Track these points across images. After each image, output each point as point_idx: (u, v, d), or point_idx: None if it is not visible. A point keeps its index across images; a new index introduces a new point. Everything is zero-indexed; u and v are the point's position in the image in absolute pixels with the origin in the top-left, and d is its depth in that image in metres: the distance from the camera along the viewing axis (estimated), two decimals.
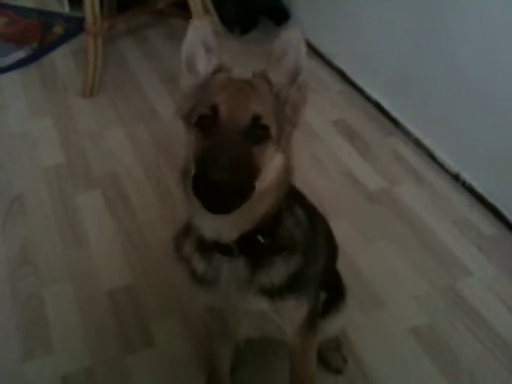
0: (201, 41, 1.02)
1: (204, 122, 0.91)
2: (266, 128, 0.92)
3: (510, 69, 1.83)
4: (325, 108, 2.59)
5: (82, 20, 2.57)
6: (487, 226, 2.01)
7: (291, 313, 1.13)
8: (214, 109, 0.90)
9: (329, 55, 2.88)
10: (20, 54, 2.85)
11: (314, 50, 2.97)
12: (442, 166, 2.22)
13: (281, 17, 3.18)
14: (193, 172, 0.88)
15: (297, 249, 1.05)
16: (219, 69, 1.03)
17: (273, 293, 1.04)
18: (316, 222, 1.19)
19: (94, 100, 2.61)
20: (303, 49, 1.03)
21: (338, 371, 1.54)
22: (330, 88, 2.74)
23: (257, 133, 0.91)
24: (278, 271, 1.03)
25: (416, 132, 2.34)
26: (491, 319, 1.71)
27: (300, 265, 1.06)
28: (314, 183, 2.09)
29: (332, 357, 1.55)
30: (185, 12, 2.61)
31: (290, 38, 0.99)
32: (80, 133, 2.42)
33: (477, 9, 1.91)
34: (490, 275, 1.84)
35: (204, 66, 1.03)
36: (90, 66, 2.55)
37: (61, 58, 2.91)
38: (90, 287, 1.76)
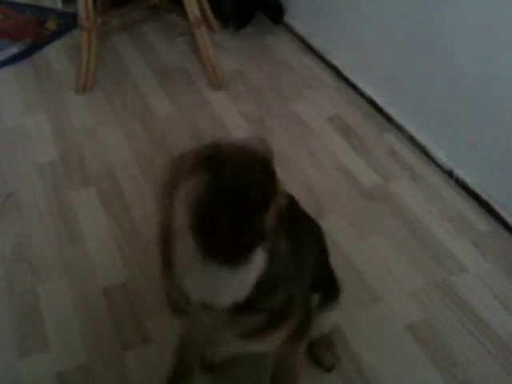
0: None
1: None
2: None
3: (507, 66, 1.83)
4: (319, 104, 2.59)
5: (75, 15, 2.55)
6: (482, 222, 2.02)
7: (278, 339, 1.10)
8: None
9: (323, 51, 2.88)
10: (13, 50, 2.83)
11: (308, 46, 2.98)
12: (436, 163, 2.23)
13: (276, 12, 3.18)
14: None
15: (280, 287, 0.99)
16: None
17: (257, 331, 1.01)
18: (302, 239, 1.14)
19: (88, 96, 2.60)
20: None
21: (329, 369, 1.55)
22: (324, 84, 2.74)
23: None
24: (260, 315, 0.99)
25: (411, 128, 2.35)
26: (486, 315, 1.72)
27: (284, 298, 1.01)
28: (308, 179, 2.09)
29: (324, 355, 1.55)
30: (179, 7, 2.60)
31: None
32: (74, 129, 2.40)
33: (474, 5, 1.91)
34: (485, 271, 1.85)
35: None
36: (83, 61, 2.54)
37: (54, 54, 2.89)
38: (86, 284, 1.76)
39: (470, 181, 2.09)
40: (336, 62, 2.80)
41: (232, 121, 2.49)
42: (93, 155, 2.26)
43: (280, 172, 2.27)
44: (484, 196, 2.05)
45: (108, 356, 1.57)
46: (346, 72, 2.73)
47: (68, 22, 3.05)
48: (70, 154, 2.26)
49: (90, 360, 1.56)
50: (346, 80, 2.72)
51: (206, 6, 2.92)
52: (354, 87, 2.67)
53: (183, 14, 2.56)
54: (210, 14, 2.99)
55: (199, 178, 0.79)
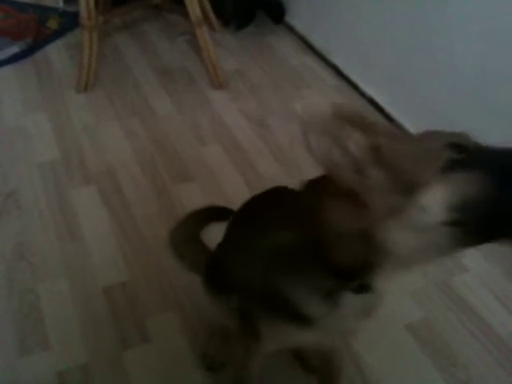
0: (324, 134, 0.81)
1: (455, 164, 0.76)
2: None
3: (507, 66, 1.83)
4: (320, 104, 2.59)
5: (76, 15, 2.55)
6: None
7: None
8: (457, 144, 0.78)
9: (324, 51, 2.88)
10: (14, 49, 2.83)
11: (309, 46, 2.98)
12: None
13: (277, 12, 3.18)
14: None
15: None
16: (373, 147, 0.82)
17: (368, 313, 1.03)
18: None
19: (89, 95, 2.60)
20: None
21: (315, 370, 1.53)
22: (324, 84, 2.75)
23: None
24: None
25: (411, 128, 2.34)
26: (486, 315, 1.72)
27: None
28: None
29: (311, 356, 1.54)
30: (180, 7, 2.60)
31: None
32: (75, 128, 2.40)
33: (473, 4, 1.91)
34: (486, 271, 1.85)
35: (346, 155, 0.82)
36: (84, 60, 2.54)
37: (56, 53, 2.89)
38: (86, 283, 1.76)
39: None
40: (336, 61, 2.79)
41: (233, 120, 2.49)
42: (94, 154, 2.26)
43: (280, 170, 2.29)
44: None
45: (108, 355, 1.58)
46: (346, 72, 2.73)
47: (69, 21, 3.05)
48: (70, 153, 2.26)
49: (91, 359, 1.56)
50: (346, 80, 2.72)
51: (208, 6, 2.92)
52: (354, 87, 2.67)
53: (184, 13, 2.56)
54: (211, 14, 2.99)
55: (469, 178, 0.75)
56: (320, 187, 0.89)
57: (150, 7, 3.11)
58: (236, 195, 2.04)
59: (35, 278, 1.77)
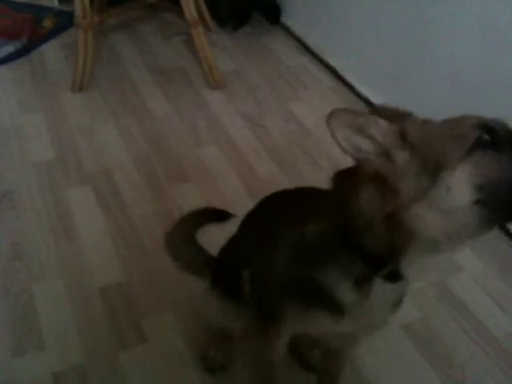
0: (350, 130, 0.82)
1: (482, 144, 0.78)
2: None
3: (505, 65, 1.84)
4: (316, 104, 2.60)
5: (72, 14, 2.55)
6: None
7: None
8: (485, 124, 0.79)
9: (320, 51, 2.88)
10: (9, 49, 2.82)
11: (305, 46, 2.98)
12: None
13: (273, 13, 3.18)
14: None
15: None
16: (401, 131, 0.82)
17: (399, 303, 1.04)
18: None
19: (85, 95, 2.60)
20: None
21: (312, 370, 1.54)
22: (321, 84, 2.75)
23: None
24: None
25: None
26: (482, 315, 1.73)
27: None
28: (304, 178, 2.09)
29: (311, 356, 1.54)
30: (176, 7, 2.60)
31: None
32: (71, 128, 2.40)
33: (471, 3, 1.91)
34: (481, 272, 1.86)
35: (371, 144, 0.83)
36: (80, 60, 2.53)
37: (51, 53, 2.89)
38: (82, 283, 1.75)
39: None
40: (333, 62, 2.80)
41: (229, 120, 2.49)
42: (89, 154, 2.26)
43: (277, 170, 2.28)
44: None
45: (104, 355, 1.57)
46: (342, 72, 2.74)
47: (65, 21, 3.05)
48: (66, 153, 2.26)
49: (87, 359, 1.56)
50: (342, 80, 2.72)
51: (203, 6, 2.92)
52: (350, 87, 2.67)
53: (180, 13, 2.56)
54: (206, 14, 2.99)
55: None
56: (348, 176, 0.90)
57: (146, 7, 3.11)
58: (233, 196, 2.04)
59: (31, 279, 1.76)
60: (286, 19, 3.15)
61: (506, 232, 1.97)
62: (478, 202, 0.77)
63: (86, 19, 2.47)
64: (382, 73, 2.47)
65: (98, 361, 1.56)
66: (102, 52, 2.87)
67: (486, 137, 0.78)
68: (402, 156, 0.81)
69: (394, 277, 0.91)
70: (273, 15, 3.19)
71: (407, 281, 0.93)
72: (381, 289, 0.94)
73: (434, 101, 2.18)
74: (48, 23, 3.07)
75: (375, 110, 0.90)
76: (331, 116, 0.80)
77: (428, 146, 0.80)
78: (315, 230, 0.97)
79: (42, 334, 1.61)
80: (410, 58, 2.27)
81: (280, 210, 1.14)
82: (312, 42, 2.95)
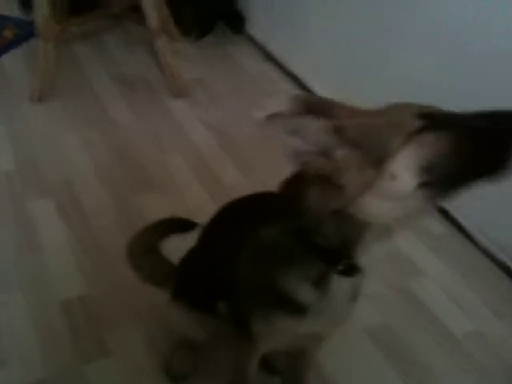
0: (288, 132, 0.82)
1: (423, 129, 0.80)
2: None
3: (460, 71, 1.88)
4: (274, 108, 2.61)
5: (33, 24, 2.52)
6: (437, 226, 2.06)
7: None
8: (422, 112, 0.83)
9: (283, 60, 2.91)
10: None
11: (268, 55, 3.00)
12: None
13: (236, 22, 3.19)
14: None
15: None
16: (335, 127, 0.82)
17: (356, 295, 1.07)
18: None
19: (46, 105, 2.56)
20: None
21: (278, 373, 1.54)
22: (284, 92, 2.77)
23: None
24: None
25: None
26: (443, 317, 1.76)
27: None
28: (271, 187, 2.08)
29: (275, 358, 1.55)
30: (139, 16, 2.59)
31: None
32: (32, 138, 2.36)
33: (426, 10, 1.96)
34: (442, 274, 1.90)
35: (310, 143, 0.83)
36: (41, 70, 2.50)
37: (12, 63, 2.84)
38: (43, 296, 1.72)
39: None
40: (296, 70, 2.83)
41: (193, 128, 2.49)
42: (51, 165, 2.22)
43: (241, 178, 2.28)
44: None
45: (67, 370, 1.55)
46: (305, 80, 2.76)
47: (26, 31, 3.00)
48: (27, 164, 2.22)
49: (49, 375, 1.53)
50: (305, 88, 2.75)
51: (167, 15, 2.92)
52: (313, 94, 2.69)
53: (143, 22, 2.55)
54: (170, 23, 2.99)
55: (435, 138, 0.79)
56: (295, 180, 0.91)
57: (109, 16, 3.09)
58: (198, 204, 2.04)
59: None
60: (250, 28, 3.17)
61: (467, 236, 2.01)
62: (421, 184, 0.80)
63: (47, 29, 2.44)
64: (344, 81, 2.50)
65: (61, 375, 1.53)
66: (64, 62, 2.83)
67: (422, 122, 0.80)
68: (340, 153, 0.81)
69: (350, 271, 0.94)
70: (237, 25, 3.20)
71: (363, 272, 0.96)
72: (338, 284, 0.97)
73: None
74: (8, 33, 3.03)
75: (302, 103, 0.87)
76: (266, 122, 0.80)
77: (368, 137, 0.81)
78: (270, 235, 0.98)
79: (2, 349, 1.58)
80: (366, 63, 2.31)
81: (237, 219, 1.15)
82: (275, 50, 2.97)
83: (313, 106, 0.85)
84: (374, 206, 0.82)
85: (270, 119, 0.80)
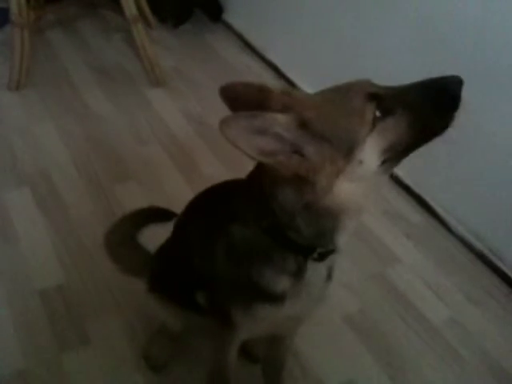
0: (250, 133, 0.80)
1: (379, 116, 0.85)
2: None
3: (442, 62, 1.90)
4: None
5: (7, 11, 2.47)
6: (414, 214, 2.09)
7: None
8: (374, 96, 0.86)
9: (262, 49, 2.90)
10: None
11: (247, 44, 2.99)
12: None
13: (214, 10, 3.18)
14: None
15: None
16: (298, 119, 0.83)
17: (329, 274, 1.08)
18: None
19: (22, 94, 2.53)
20: None
21: (256, 360, 1.56)
22: (263, 81, 2.76)
23: None
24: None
25: None
26: (420, 305, 1.79)
27: None
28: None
29: (254, 345, 1.56)
30: (115, 3, 2.56)
31: None
32: (7, 128, 2.33)
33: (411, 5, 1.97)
34: (418, 262, 1.93)
35: (277, 141, 0.82)
36: (16, 58, 2.46)
37: None
38: (21, 286, 1.71)
39: (402, 174, 2.16)
40: (274, 59, 2.82)
41: (171, 118, 2.48)
42: (27, 155, 2.20)
43: (221, 168, 2.28)
44: (415, 189, 2.13)
45: (46, 359, 1.55)
46: (284, 69, 2.76)
47: (1, 18, 2.94)
48: (2, 154, 2.20)
49: (28, 364, 1.53)
50: (284, 77, 2.75)
51: (143, 2, 2.89)
52: (292, 84, 2.70)
53: (120, 10, 2.52)
54: (147, 11, 2.96)
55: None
56: (263, 174, 0.92)
57: (85, 4, 3.05)
58: (177, 194, 2.04)
59: None
60: (228, 17, 3.15)
61: (444, 224, 2.05)
62: (383, 162, 0.86)
63: (22, 16, 2.41)
64: (324, 70, 2.48)
65: (39, 364, 1.53)
66: (40, 50, 2.79)
67: (377, 109, 0.85)
68: (311, 149, 0.83)
69: (324, 256, 0.96)
70: (214, 12, 3.18)
71: (336, 252, 0.98)
72: (313, 269, 0.99)
73: None
74: None
75: (231, 94, 0.94)
76: (224, 126, 0.77)
77: (335, 130, 0.83)
78: (243, 233, 0.98)
79: None
80: (351, 55, 2.31)
81: (210, 209, 1.15)
82: (254, 39, 2.96)
83: (243, 97, 0.90)
84: (345, 191, 0.86)
85: (228, 123, 0.78)
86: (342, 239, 0.95)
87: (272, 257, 0.97)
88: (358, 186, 0.87)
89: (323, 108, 0.85)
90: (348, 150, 0.83)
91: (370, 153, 0.85)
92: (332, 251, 0.97)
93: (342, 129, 0.83)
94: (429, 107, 0.88)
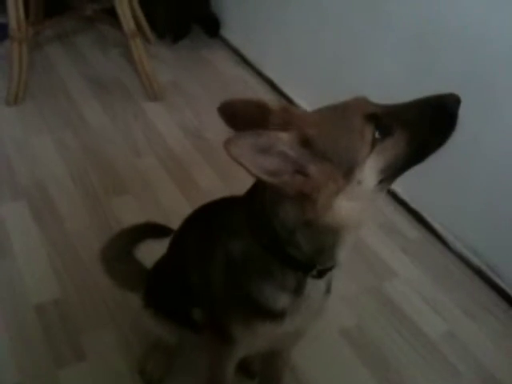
0: (255, 154, 0.79)
1: (378, 136, 0.85)
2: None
3: (435, 79, 1.91)
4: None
5: (6, 26, 2.49)
6: (410, 229, 2.10)
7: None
8: (372, 117, 0.86)
9: (258, 64, 2.92)
10: None
11: (243, 59, 3.02)
12: None
13: (212, 26, 3.20)
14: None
15: None
16: (299, 137, 0.83)
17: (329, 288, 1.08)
18: None
19: (20, 107, 2.53)
20: None
21: (254, 376, 1.55)
22: (259, 96, 2.77)
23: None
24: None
25: None
26: (417, 319, 1.79)
27: None
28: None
29: (251, 362, 1.55)
30: (113, 18, 2.58)
31: None
32: (5, 141, 2.33)
33: (403, 18, 1.99)
34: (415, 277, 1.92)
35: (279, 161, 0.82)
36: (14, 72, 2.47)
37: None
38: (16, 300, 1.70)
39: (399, 190, 2.17)
40: (270, 74, 2.84)
41: (168, 131, 2.49)
42: (24, 168, 2.20)
43: (219, 183, 2.27)
44: (412, 204, 2.13)
45: (41, 374, 1.53)
46: (280, 85, 2.78)
47: None
48: None
49: (24, 379, 1.51)
50: (280, 93, 2.77)
51: (142, 18, 2.92)
52: (288, 100, 2.71)
53: (118, 25, 2.54)
54: (145, 26, 2.98)
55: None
56: (262, 191, 0.92)
57: (83, 19, 3.06)
58: (173, 208, 2.04)
59: None
60: (225, 32, 3.18)
61: (441, 240, 2.05)
62: (380, 181, 0.87)
63: (21, 31, 2.42)
64: (318, 85, 2.52)
65: (35, 379, 1.52)
66: (38, 64, 2.81)
67: (376, 130, 0.85)
68: (313, 168, 0.83)
69: (323, 273, 0.96)
70: (212, 28, 3.21)
71: (336, 267, 0.98)
72: (312, 284, 0.99)
73: None
74: None
75: (230, 111, 0.92)
76: (230, 145, 0.76)
77: (336, 150, 0.84)
78: (241, 247, 0.98)
79: None
80: (344, 70, 2.33)
81: (206, 227, 1.14)
82: (250, 55, 2.98)
83: (242, 113, 0.89)
84: (344, 209, 0.86)
85: (232, 142, 0.76)
86: (342, 255, 0.95)
87: (272, 273, 0.96)
88: (356, 204, 0.87)
89: (324, 126, 0.85)
90: (348, 170, 0.84)
91: (369, 173, 0.85)
92: (331, 268, 0.97)
93: (342, 149, 0.84)
94: (427, 126, 0.89)
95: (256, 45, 2.93)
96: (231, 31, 3.14)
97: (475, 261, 1.95)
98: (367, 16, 2.13)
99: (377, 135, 0.85)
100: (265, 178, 0.80)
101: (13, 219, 1.97)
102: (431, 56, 1.90)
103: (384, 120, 0.86)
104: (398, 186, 2.17)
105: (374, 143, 0.85)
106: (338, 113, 0.88)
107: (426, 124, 0.89)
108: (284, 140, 0.81)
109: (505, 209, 1.81)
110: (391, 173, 0.88)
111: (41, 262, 1.82)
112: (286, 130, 0.83)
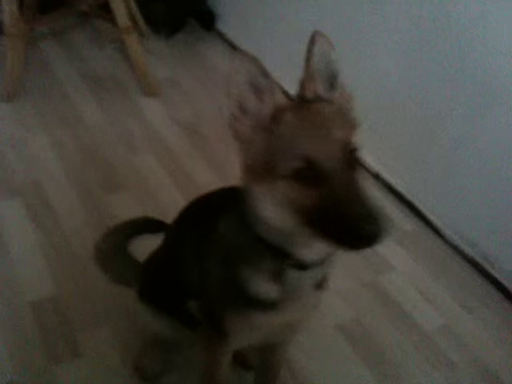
0: (248, 82, 0.86)
1: (302, 174, 0.82)
2: (355, 150, 0.88)
3: (427, 72, 1.91)
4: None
5: (1, 23, 2.48)
6: (407, 222, 2.10)
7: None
8: (311, 161, 0.81)
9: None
10: None
11: None
12: (363, 166, 2.29)
13: (207, 19, 3.19)
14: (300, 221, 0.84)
15: None
16: (278, 110, 0.88)
17: (320, 284, 1.07)
18: None
19: (15, 104, 2.53)
20: (332, 50, 0.99)
21: (250, 368, 1.56)
22: None
23: (352, 160, 0.87)
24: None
25: None
26: (413, 312, 1.79)
27: None
28: None
29: (248, 354, 1.56)
30: (108, 14, 2.57)
31: (321, 46, 0.97)
32: (0, 139, 2.33)
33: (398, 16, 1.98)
34: (411, 269, 1.93)
35: (256, 108, 0.88)
36: (9, 69, 2.47)
37: None
38: (12, 299, 1.70)
39: (396, 183, 2.16)
40: (267, 67, 2.82)
41: (165, 127, 2.48)
42: (19, 166, 2.20)
43: (215, 178, 2.28)
44: (409, 197, 2.13)
45: (38, 372, 1.53)
46: (278, 79, 2.76)
47: None
48: None
49: (20, 376, 1.52)
50: (278, 85, 2.75)
51: (136, 13, 2.91)
52: (284, 93, 2.70)
53: (113, 20, 2.53)
54: (140, 21, 2.97)
55: None
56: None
57: (78, 15, 3.06)
58: (169, 203, 2.04)
59: None
60: (221, 26, 3.16)
61: (437, 233, 2.05)
62: (286, 213, 0.85)
63: (16, 27, 2.41)
64: None
65: (32, 377, 1.52)
66: (33, 60, 2.80)
67: (303, 172, 0.82)
68: (259, 138, 0.86)
69: (302, 266, 0.96)
70: (207, 22, 3.20)
71: (322, 265, 0.99)
72: (293, 277, 0.99)
73: (363, 108, 2.24)
74: None
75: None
76: (240, 57, 0.81)
77: (281, 145, 0.84)
78: (229, 231, 1.01)
79: None
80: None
81: (199, 219, 1.16)
82: (247, 48, 2.96)
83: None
84: (269, 210, 0.87)
85: (246, 58, 0.83)
86: (305, 257, 0.95)
87: (252, 256, 0.98)
88: (276, 210, 0.86)
89: (294, 123, 0.86)
90: (271, 170, 0.84)
91: (278, 193, 0.84)
92: (318, 263, 0.97)
93: (281, 151, 0.84)
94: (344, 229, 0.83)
95: (252, 38, 2.92)
96: (227, 25, 3.12)
97: (471, 253, 1.96)
98: (364, 11, 2.12)
99: (304, 175, 0.82)
100: (231, 108, 0.85)
101: (8, 217, 1.98)
102: (427, 54, 1.90)
103: (311, 167, 0.82)
104: (394, 178, 2.17)
105: (293, 174, 0.82)
106: (316, 125, 0.86)
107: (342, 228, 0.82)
108: (277, 97, 0.86)
109: (501, 201, 1.81)
110: (299, 216, 0.84)
111: (36, 259, 1.83)
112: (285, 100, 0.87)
